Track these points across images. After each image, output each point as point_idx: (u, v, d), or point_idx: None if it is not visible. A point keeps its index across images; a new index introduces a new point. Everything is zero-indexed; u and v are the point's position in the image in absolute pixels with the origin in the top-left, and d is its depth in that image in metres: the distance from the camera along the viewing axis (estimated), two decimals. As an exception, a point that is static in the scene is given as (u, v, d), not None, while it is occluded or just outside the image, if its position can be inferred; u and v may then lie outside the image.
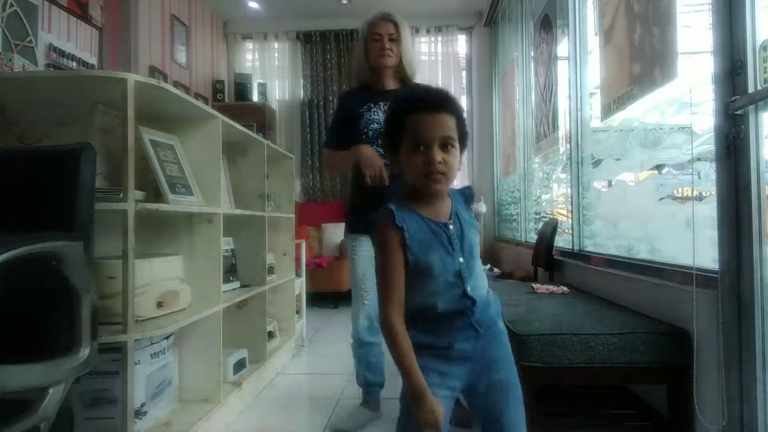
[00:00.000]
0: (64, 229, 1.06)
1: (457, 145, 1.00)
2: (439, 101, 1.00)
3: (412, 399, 0.92)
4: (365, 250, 1.92)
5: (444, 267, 0.99)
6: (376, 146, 1.91)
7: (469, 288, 1.00)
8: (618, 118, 2.27)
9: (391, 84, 2.01)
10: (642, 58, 1.94)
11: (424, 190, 1.01)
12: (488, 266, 4.30)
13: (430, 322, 1.01)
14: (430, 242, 0.99)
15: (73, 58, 3.26)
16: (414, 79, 2.05)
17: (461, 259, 1.00)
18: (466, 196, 1.09)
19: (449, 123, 0.99)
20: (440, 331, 1.01)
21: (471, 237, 1.03)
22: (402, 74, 2.02)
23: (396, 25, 1.96)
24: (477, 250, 1.05)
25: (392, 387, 1.10)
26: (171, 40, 4.53)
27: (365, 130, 1.95)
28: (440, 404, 0.92)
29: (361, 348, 1.97)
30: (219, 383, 1.94)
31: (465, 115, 1.04)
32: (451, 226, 1.02)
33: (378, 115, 1.96)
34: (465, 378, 1.03)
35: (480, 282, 1.04)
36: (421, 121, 0.98)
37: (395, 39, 1.95)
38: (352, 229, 1.99)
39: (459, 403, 1.21)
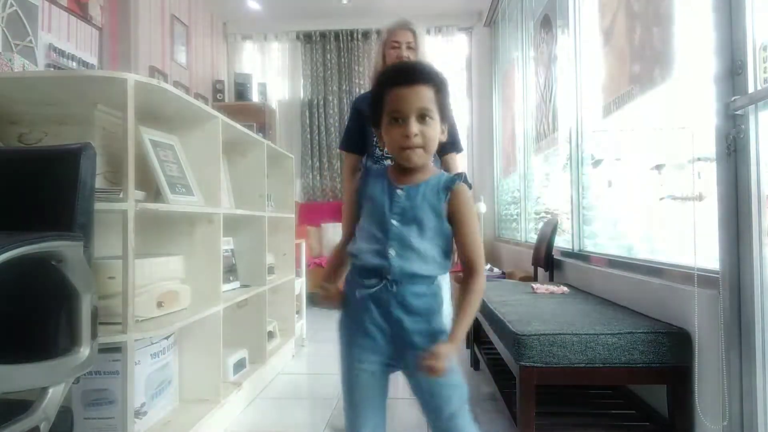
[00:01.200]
0: (64, 229, 1.05)
1: (435, 116, 0.99)
2: (414, 73, 0.99)
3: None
4: None
5: (373, 214, 1.02)
6: (387, 153, 1.93)
7: (393, 253, 0.98)
8: (618, 117, 2.26)
9: None
10: (642, 58, 1.94)
11: (402, 162, 1.01)
12: (489, 266, 4.29)
13: (356, 271, 1.05)
14: (377, 196, 1.03)
15: (73, 58, 3.26)
16: None
17: (395, 222, 1.00)
18: (447, 182, 1.01)
19: (426, 94, 0.98)
20: (360, 286, 1.02)
21: (421, 212, 1.00)
22: None
23: (414, 33, 2.00)
24: (428, 232, 1.00)
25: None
26: (171, 40, 4.53)
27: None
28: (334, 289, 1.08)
29: None
30: (219, 383, 1.94)
31: (447, 86, 1.02)
32: (399, 191, 1.01)
33: None
34: (388, 354, 1.03)
35: (416, 259, 0.99)
36: (398, 93, 0.98)
37: (413, 47, 1.99)
38: None
39: None
